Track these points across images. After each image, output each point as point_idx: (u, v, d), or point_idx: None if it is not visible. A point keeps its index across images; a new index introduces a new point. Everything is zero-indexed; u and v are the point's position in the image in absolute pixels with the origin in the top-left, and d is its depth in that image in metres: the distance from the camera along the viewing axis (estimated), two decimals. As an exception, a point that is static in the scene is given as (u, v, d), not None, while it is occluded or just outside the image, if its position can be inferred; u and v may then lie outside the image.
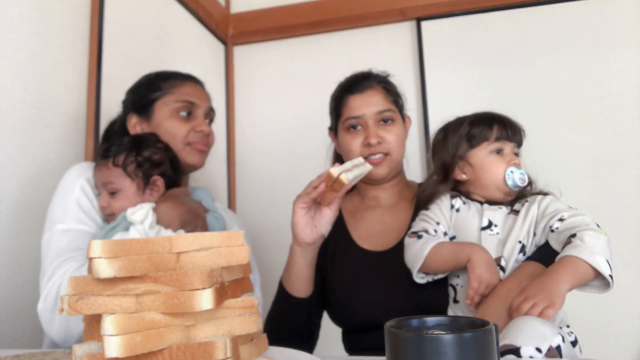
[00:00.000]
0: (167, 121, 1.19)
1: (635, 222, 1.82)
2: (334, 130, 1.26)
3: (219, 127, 2.25)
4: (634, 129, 1.87)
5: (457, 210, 1.05)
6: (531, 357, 0.74)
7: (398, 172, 1.23)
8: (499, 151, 1.04)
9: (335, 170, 0.96)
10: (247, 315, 0.57)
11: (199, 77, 1.35)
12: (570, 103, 1.94)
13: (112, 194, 1.06)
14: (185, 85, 1.24)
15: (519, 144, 1.08)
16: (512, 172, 1.01)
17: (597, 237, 0.89)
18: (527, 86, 1.98)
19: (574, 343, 0.90)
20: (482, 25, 2.05)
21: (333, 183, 0.98)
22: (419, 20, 2.11)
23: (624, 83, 1.89)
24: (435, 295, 1.06)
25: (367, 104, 1.16)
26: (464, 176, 1.06)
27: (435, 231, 1.03)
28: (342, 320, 1.19)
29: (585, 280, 0.87)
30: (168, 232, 1.02)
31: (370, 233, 1.21)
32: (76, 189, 1.08)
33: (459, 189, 1.09)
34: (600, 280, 0.88)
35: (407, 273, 1.09)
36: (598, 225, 0.94)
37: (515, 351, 0.74)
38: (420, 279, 1.03)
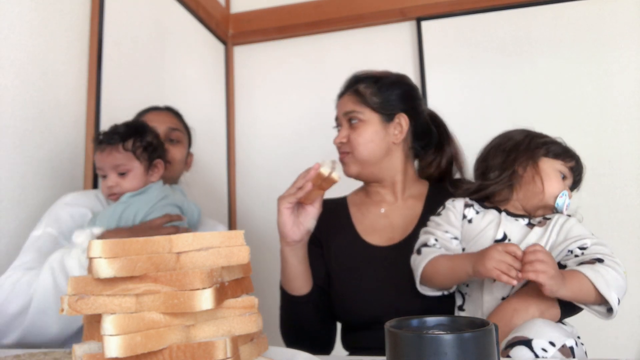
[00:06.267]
0: None
1: (635, 222, 1.82)
2: None
3: (219, 127, 2.25)
4: (634, 129, 1.87)
5: (470, 221, 1.04)
6: (544, 349, 0.73)
7: (387, 171, 1.21)
8: (564, 177, 1.05)
9: (326, 170, 0.99)
10: (247, 315, 0.57)
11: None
12: (570, 103, 1.93)
13: (121, 174, 1.16)
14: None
15: (570, 189, 1.08)
16: (565, 194, 1.02)
17: (619, 273, 0.88)
18: (527, 86, 1.98)
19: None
20: (482, 25, 2.05)
21: (322, 182, 1.01)
22: (419, 20, 2.11)
23: (624, 83, 1.89)
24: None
25: (340, 108, 1.24)
26: (521, 176, 1.05)
27: (437, 240, 1.02)
28: (344, 314, 1.20)
29: (582, 301, 0.87)
30: None
31: (376, 228, 1.21)
32: (57, 206, 1.16)
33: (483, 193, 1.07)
34: (602, 307, 0.89)
35: (411, 270, 1.09)
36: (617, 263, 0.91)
37: (527, 342, 0.74)
38: (430, 292, 1.02)
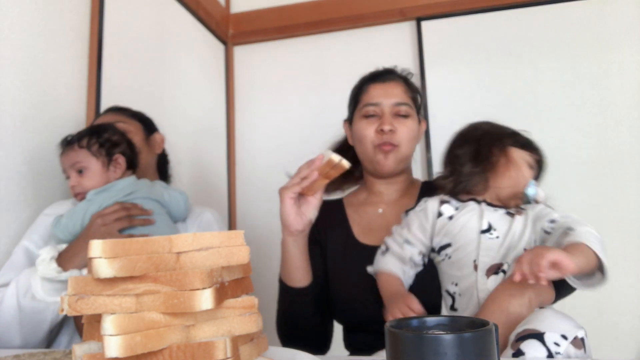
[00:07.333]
0: None
1: (635, 222, 1.82)
2: (349, 120, 1.26)
3: (219, 127, 2.25)
4: (634, 129, 1.87)
5: (450, 217, 1.04)
6: (556, 343, 0.72)
7: (405, 168, 1.24)
8: (531, 167, 1.06)
9: (336, 157, 0.95)
10: (247, 315, 0.57)
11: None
12: (570, 103, 1.94)
13: (80, 172, 1.16)
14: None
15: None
16: (533, 184, 1.03)
17: (593, 232, 0.88)
18: (527, 86, 1.98)
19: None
20: (482, 25, 2.06)
21: (330, 169, 0.97)
22: (419, 20, 2.11)
23: (624, 83, 1.90)
24: (429, 291, 1.06)
25: (387, 94, 1.17)
26: (495, 164, 1.05)
27: (390, 247, 1.08)
28: (343, 316, 1.20)
29: (590, 268, 0.85)
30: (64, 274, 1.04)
31: (371, 228, 1.21)
32: (40, 216, 1.20)
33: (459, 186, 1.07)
34: (597, 275, 0.87)
35: None
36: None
37: (538, 336, 0.73)
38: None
